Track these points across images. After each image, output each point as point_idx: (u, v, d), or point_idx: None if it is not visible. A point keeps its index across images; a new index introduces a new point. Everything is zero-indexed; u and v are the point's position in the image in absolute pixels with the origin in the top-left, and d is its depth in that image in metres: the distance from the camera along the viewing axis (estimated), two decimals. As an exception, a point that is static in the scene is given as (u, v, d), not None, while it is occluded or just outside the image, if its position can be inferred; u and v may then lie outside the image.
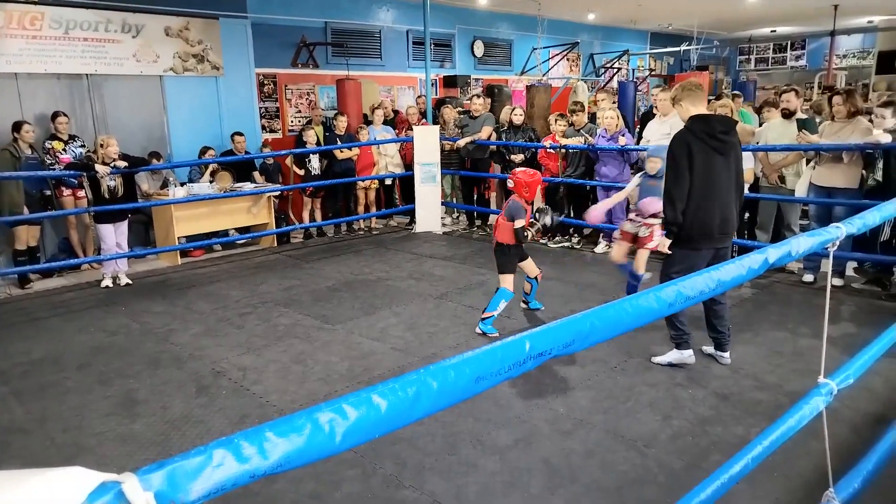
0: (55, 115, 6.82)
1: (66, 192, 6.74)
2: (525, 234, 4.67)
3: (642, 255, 4.88)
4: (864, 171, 5.45)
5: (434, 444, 3.22)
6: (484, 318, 4.72)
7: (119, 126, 7.61)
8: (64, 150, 6.76)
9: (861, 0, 11.53)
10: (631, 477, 2.91)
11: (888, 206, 2.48)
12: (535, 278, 5.15)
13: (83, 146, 6.95)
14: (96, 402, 3.81)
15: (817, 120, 6.22)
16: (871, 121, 5.51)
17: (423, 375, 1.00)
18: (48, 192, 6.65)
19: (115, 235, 6.26)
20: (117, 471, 0.75)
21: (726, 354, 4.11)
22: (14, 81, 6.97)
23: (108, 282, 6.33)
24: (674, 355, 4.10)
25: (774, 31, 16.23)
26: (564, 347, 1.21)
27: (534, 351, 1.14)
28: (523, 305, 5.30)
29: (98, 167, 5.99)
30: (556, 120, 7.52)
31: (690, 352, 4.08)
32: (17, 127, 6.36)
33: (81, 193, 6.71)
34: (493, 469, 3.01)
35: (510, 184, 4.81)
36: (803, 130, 5.59)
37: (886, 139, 5.10)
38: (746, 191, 6.07)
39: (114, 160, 6.12)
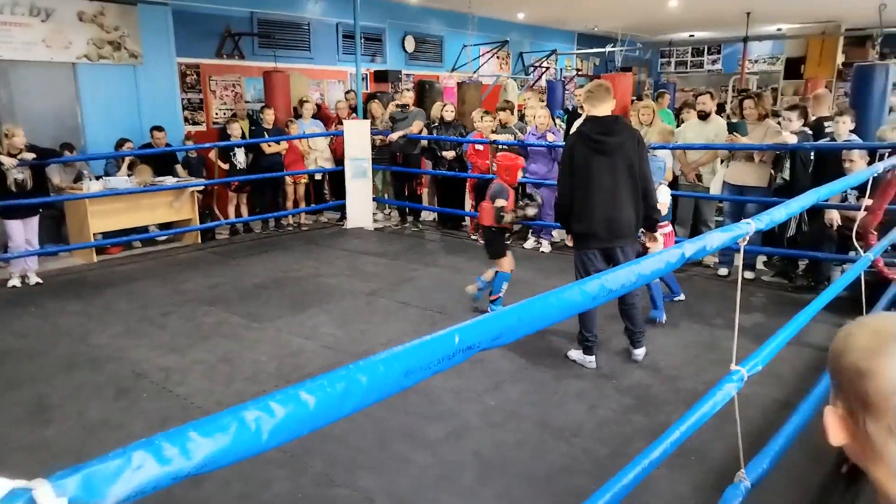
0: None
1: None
2: (502, 214, 4.64)
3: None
4: (772, 171, 5.79)
5: (365, 440, 3.21)
6: (492, 301, 4.88)
7: (28, 116, 7.15)
8: (-36, 140, 6.29)
9: (771, 9, 12.22)
10: (559, 466, 3.00)
11: (793, 204, 2.65)
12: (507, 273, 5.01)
13: (-14, 136, 6.49)
14: (4, 409, 3.58)
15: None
16: (779, 123, 5.87)
17: (352, 371, 1.00)
18: None
19: (24, 232, 5.89)
20: (28, 479, 0.72)
21: (638, 351, 4.17)
22: None
23: (15, 281, 5.94)
24: (577, 355, 4.16)
25: (693, 35, 16.98)
26: (493, 340, 1.23)
27: (463, 344, 1.16)
28: (472, 290, 5.15)
29: (3, 158, 5.61)
30: (481, 117, 7.60)
31: (593, 358, 4.09)
32: None
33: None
34: (424, 463, 3.03)
35: (493, 167, 4.88)
36: (735, 133, 5.78)
37: (793, 140, 5.44)
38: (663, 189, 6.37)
39: (20, 151, 5.75)
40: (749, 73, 15.99)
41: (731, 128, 5.92)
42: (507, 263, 4.88)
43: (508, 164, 4.83)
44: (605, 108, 3.92)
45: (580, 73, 16.17)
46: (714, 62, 17.84)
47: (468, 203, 8.37)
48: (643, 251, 4.35)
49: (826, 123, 5.87)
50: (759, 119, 5.79)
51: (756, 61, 17.08)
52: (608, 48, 14.37)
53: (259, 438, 0.86)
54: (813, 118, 6.24)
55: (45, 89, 7.49)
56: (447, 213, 8.31)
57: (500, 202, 4.68)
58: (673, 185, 6.41)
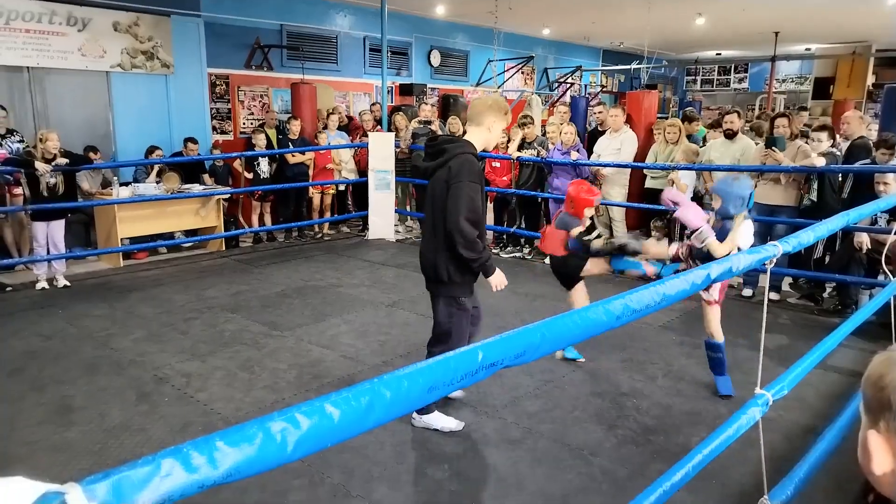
0: (-8, 109, 6.53)
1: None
2: (585, 238, 4.01)
3: (710, 316, 3.85)
4: (801, 190, 5.72)
5: (383, 452, 3.21)
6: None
7: (61, 122, 7.33)
8: (0, 144, 6.47)
9: (800, 28, 12.12)
10: (576, 485, 2.96)
11: (821, 227, 2.62)
12: None
13: (21, 141, 6.66)
14: (29, 410, 3.64)
15: (756, 142, 6.48)
16: (806, 143, 5.80)
17: (377, 385, 1.00)
18: None
19: (46, 234, 6.00)
20: (51, 481, 0.73)
21: (423, 418, 3.47)
22: (-52, 71, 6.65)
23: (43, 283, 6.06)
24: (437, 419, 3.43)
25: (720, 54, 16.90)
26: (516, 358, 1.23)
27: (486, 361, 1.16)
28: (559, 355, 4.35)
29: (38, 164, 5.74)
30: (507, 133, 7.63)
31: (455, 422, 3.45)
32: None
33: (18, 191, 6.42)
34: (441, 477, 3.01)
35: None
36: (773, 148, 5.58)
37: (821, 162, 5.37)
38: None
39: (54, 156, 5.88)
40: (776, 93, 15.85)
41: (770, 143, 5.68)
42: (582, 298, 4.16)
43: (580, 198, 4.11)
44: (470, 128, 3.31)
45: (605, 89, 16.15)
46: (741, 81, 17.71)
47: (489, 217, 8.37)
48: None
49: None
50: (790, 138, 5.72)
51: (784, 80, 16.93)
52: (633, 65, 14.34)
53: (284, 450, 0.86)
54: (845, 139, 6.10)
55: (79, 97, 7.68)
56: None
57: (577, 230, 4.06)
58: (699, 204, 6.35)
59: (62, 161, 5.95)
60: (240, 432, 0.84)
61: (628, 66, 14.64)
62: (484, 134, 3.23)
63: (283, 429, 0.87)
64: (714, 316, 3.81)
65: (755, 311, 5.55)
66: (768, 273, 2.29)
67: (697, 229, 3.54)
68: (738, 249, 3.52)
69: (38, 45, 7.12)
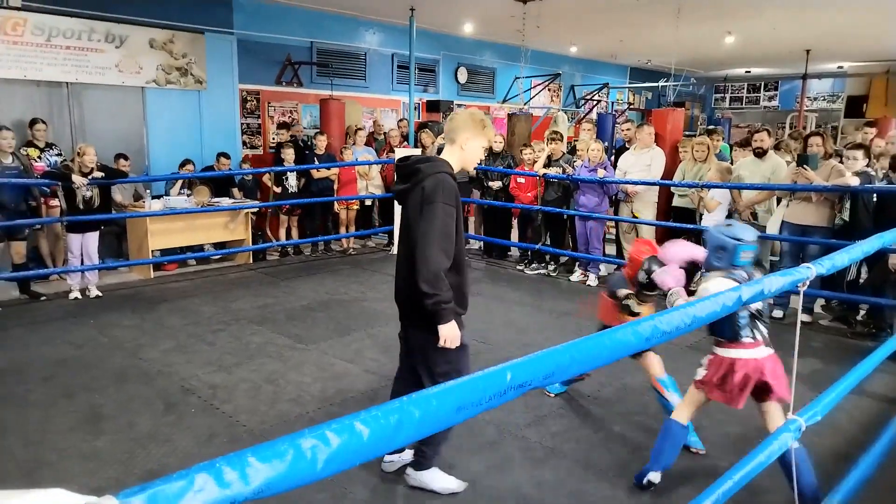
0: (33, 122, 6.72)
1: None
2: (626, 303, 3.51)
3: (687, 398, 3.17)
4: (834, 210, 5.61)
5: (405, 469, 3.19)
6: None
7: (97, 136, 7.52)
8: (39, 157, 6.66)
9: (832, 46, 11.96)
10: (601, 508, 2.92)
11: (856, 249, 2.56)
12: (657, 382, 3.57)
13: (59, 154, 6.85)
14: (60, 417, 3.71)
15: (787, 160, 6.39)
16: (841, 162, 5.69)
17: (406, 404, 1.01)
18: (33, 204, 6.35)
19: (81, 245, 6.14)
20: (80, 489, 0.74)
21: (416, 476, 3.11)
22: (-9, 86, 6.88)
23: (76, 293, 6.20)
24: (437, 480, 3.05)
25: (749, 71, 16.73)
26: (544, 379, 1.22)
27: (515, 382, 1.15)
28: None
29: (75, 177, 5.89)
30: (520, 150, 7.71)
31: (457, 482, 3.07)
32: None
33: (54, 202, 6.59)
34: (464, 497, 2.99)
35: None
36: (805, 166, 5.47)
37: (855, 182, 5.27)
38: (717, 221, 6.22)
39: (91, 169, 6.03)
40: (808, 111, 15.63)
41: (802, 161, 5.55)
42: (656, 364, 3.59)
43: (635, 256, 3.63)
44: (446, 147, 2.96)
45: (632, 107, 16.09)
46: (771, 98, 17.50)
47: (514, 234, 8.37)
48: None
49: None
50: (824, 157, 5.64)
51: (815, 99, 16.69)
52: (661, 82, 14.26)
53: (314, 467, 0.87)
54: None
55: (115, 111, 7.89)
56: (492, 243, 8.31)
57: (622, 292, 3.60)
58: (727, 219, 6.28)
59: (98, 174, 6.09)
60: (271, 448, 0.85)
61: (655, 84, 14.58)
62: (457, 152, 2.86)
63: (314, 446, 0.88)
64: (692, 398, 3.07)
65: (786, 334, 5.43)
66: (801, 295, 2.24)
67: (669, 290, 3.11)
68: None
69: (77, 61, 7.35)
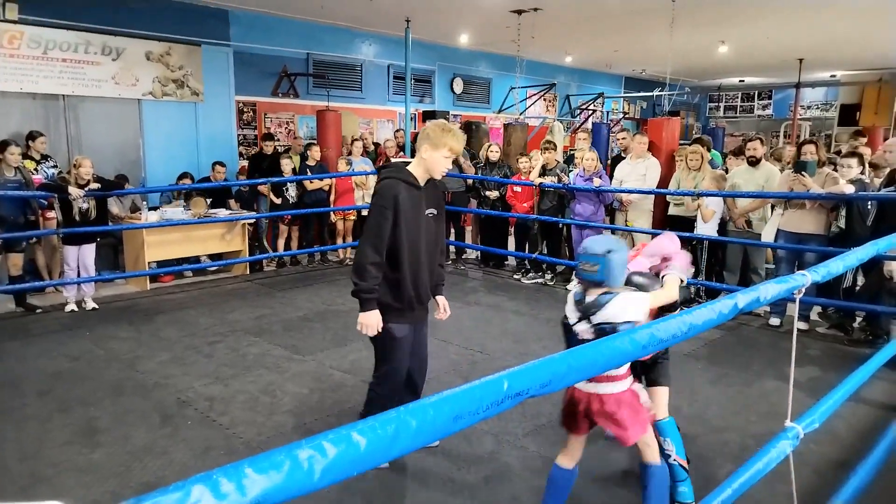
0: (33, 136, 6.72)
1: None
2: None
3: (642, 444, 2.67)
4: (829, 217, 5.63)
5: (404, 481, 3.18)
6: (680, 465, 2.91)
7: (94, 148, 7.54)
8: (36, 169, 6.65)
9: (825, 55, 12.06)
10: (600, 517, 2.91)
11: (851, 256, 2.58)
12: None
13: (55, 167, 6.85)
14: (55, 431, 3.69)
15: (781, 168, 6.42)
16: (835, 170, 5.72)
17: (402, 414, 1.01)
18: (32, 218, 6.25)
19: (77, 257, 6.13)
20: (75, 503, 0.74)
21: None
22: (-12, 99, 6.89)
23: (72, 306, 6.17)
24: None
25: (743, 80, 16.85)
26: (541, 387, 1.22)
27: (511, 391, 1.15)
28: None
29: (71, 189, 5.89)
30: (517, 159, 7.77)
31: None
32: (1, 147, 5.97)
33: (50, 214, 6.58)
34: (462, 507, 2.98)
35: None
36: (802, 173, 5.45)
37: (850, 189, 5.29)
38: (713, 231, 6.22)
39: (87, 181, 6.03)
40: (801, 119, 15.73)
41: (799, 167, 5.52)
42: (663, 403, 2.99)
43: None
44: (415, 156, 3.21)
45: (627, 116, 16.17)
46: (765, 107, 17.63)
47: (511, 243, 8.38)
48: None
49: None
50: (819, 165, 5.66)
51: (809, 107, 16.80)
52: (656, 92, 14.35)
53: (311, 477, 0.87)
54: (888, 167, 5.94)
55: (112, 123, 7.91)
56: (490, 252, 8.32)
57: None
58: (722, 230, 6.30)
59: (95, 186, 6.09)
60: (268, 459, 0.85)
61: (650, 93, 14.66)
62: (420, 162, 3.11)
63: (311, 456, 0.88)
64: (648, 440, 2.61)
65: (783, 342, 5.45)
66: (797, 303, 2.25)
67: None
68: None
69: (73, 73, 7.37)
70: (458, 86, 12.40)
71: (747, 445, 3.52)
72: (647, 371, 2.95)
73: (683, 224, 6.57)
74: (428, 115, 11.26)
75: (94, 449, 3.48)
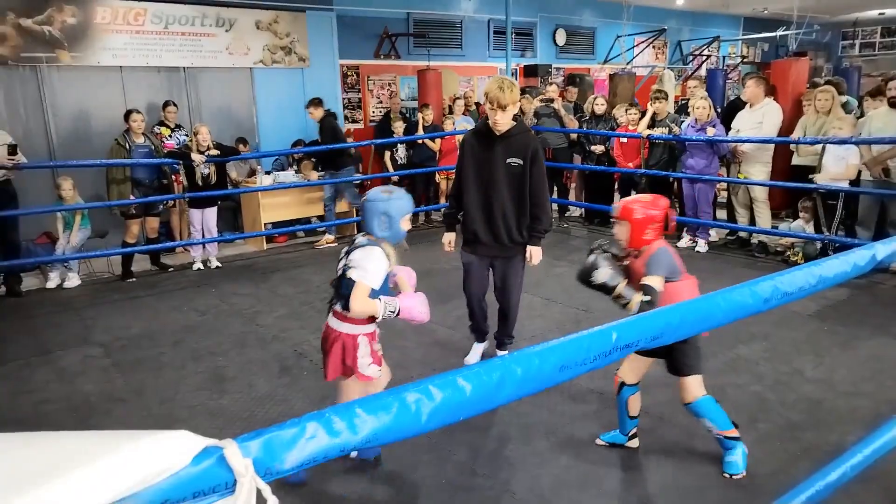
0: (165, 104, 7.28)
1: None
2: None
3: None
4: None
5: (508, 434, 3.22)
6: (726, 437, 2.83)
7: (212, 116, 7.99)
8: (170, 136, 7.19)
9: None
10: (714, 478, 2.81)
11: None
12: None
13: (187, 135, 7.35)
14: (189, 377, 4.04)
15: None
16: None
17: (508, 361, 1.00)
18: (165, 182, 6.67)
19: (201, 220, 6.58)
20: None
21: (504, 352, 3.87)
22: (119, 74, 7.45)
23: (198, 265, 6.67)
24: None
25: (883, 13, 15.07)
26: (652, 340, 1.18)
27: (620, 342, 1.12)
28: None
29: (194, 155, 6.30)
30: (625, 110, 7.36)
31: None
32: (126, 116, 6.36)
33: (182, 179, 7.09)
34: (567, 463, 2.97)
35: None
36: None
37: None
38: (846, 184, 5.71)
39: (207, 147, 6.42)
40: (954, 54, 13.92)
41: None
42: (690, 388, 2.82)
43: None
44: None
45: (745, 60, 15.00)
46: (909, 43, 15.72)
47: (616, 199, 8.10)
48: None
49: None
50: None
51: (964, 39, 14.82)
52: (780, 31, 13.17)
53: (419, 420, 0.88)
54: None
55: (227, 92, 8.33)
56: (594, 209, 8.09)
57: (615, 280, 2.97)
58: (855, 181, 5.76)
59: (214, 152, 6.48)
60: (377, 401, 0.88)
61: (773, 34, 13.47)
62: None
63: (418, 399, 0.89)
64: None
65: (925, 301, 4.94)
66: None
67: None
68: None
69: (192, 46, 7.80)
70: (561, 37, 11.97)
71: (880, 411, 3.25)
72: (667, 359, 2.85)
73: (809, 174, 6.06)
74: (530, 70, 11.00)
75: (223, 395, 3.78)
